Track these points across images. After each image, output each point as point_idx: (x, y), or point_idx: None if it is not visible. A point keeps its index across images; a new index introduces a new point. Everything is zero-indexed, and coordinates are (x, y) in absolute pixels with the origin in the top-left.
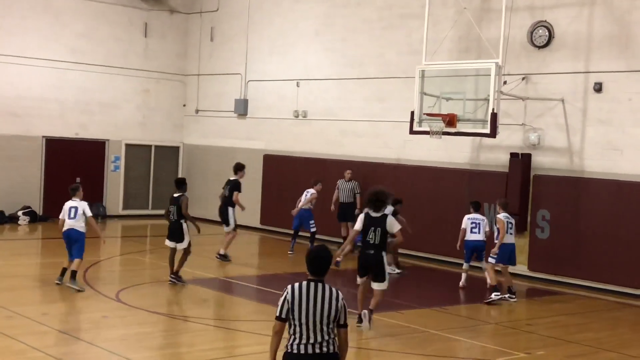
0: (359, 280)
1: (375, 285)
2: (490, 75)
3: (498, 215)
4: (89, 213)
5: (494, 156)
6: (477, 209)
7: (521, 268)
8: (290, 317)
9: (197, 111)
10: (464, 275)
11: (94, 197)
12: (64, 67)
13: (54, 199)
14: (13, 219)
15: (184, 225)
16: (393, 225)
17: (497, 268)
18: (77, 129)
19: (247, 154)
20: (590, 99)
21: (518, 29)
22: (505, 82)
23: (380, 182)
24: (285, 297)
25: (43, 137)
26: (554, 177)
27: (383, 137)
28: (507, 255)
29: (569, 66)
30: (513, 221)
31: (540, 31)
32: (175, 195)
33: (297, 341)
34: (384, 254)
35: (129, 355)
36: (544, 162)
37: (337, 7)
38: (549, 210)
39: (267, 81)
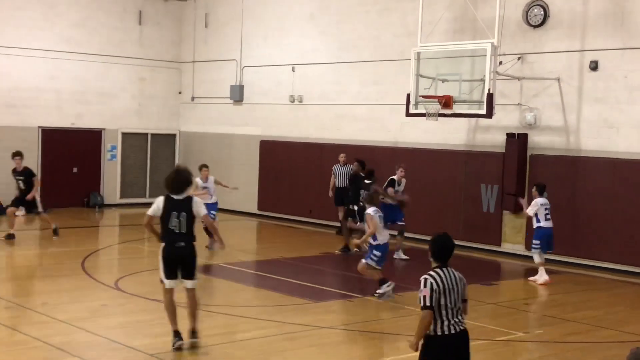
0: (167, 283)
1: (190, 284)
2: (485, 55)
3: (367, 211)
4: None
5: (491, 137)
6: (544, 191)
7: (518, 247)
8: (439, 303)
9: (192, 98)
10: (544, 270)
11: (91, 186)
12: (59, 57)
13: (51, 189)
14: None
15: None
16: (200, 208)
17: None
18: (73, 119)
19: (243, 140)
20: (586, 78)
21: (513, 9)
22: (501, 63)
23: (378, 165)
24: (432, 287)
25: (39, 127)
26: (550, 156)
27: (379, 120)
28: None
29: (564, 45)
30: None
31: (536, 10)
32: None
33: (441, 323)
34: (194, 244)
35: (129, 343)
36: (540, 141)
37: None
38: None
39: (263, 66)
